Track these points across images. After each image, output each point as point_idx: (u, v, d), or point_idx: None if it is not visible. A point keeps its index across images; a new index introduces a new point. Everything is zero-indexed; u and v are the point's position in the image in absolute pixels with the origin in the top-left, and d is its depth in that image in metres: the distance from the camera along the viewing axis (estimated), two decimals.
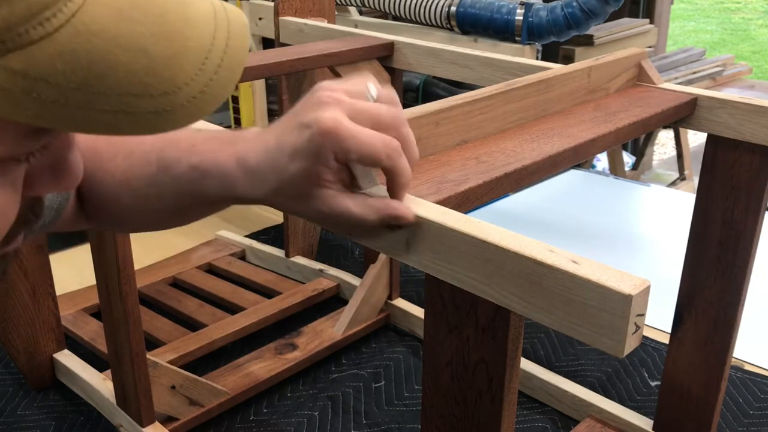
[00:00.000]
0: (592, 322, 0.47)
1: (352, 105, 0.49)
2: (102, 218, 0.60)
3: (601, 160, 3.28)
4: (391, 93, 0.53)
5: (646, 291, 0.45)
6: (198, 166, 0.52)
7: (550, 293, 0.48)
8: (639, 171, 3.50)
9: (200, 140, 0.53)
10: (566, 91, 0.83)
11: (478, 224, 0.52)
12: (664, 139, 4.24)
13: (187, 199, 0.54)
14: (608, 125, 0.78)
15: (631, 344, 0.46)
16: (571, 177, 2.13)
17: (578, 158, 0.74)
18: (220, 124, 0.79)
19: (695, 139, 3.98)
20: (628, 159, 3.50)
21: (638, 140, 3.61)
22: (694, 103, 0.87)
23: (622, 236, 1.76)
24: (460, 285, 0.53)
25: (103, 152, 0.56)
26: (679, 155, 3.31)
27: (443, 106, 0.68)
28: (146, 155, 0.55)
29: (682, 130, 3.16)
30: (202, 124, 0.75)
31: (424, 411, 0.62)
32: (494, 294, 0.51)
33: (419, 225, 0.54)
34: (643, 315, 0.46)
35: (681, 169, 3.30)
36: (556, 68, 0.85)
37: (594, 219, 1.85)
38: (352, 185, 0.52)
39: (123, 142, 0.56)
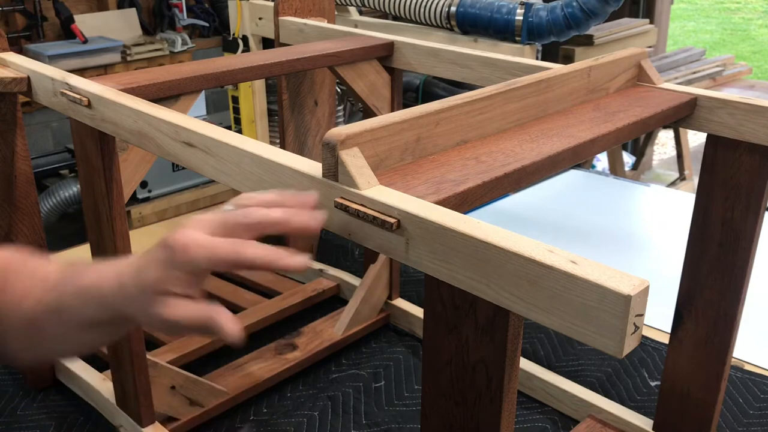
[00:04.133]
0: (592, 323, 0.47)
1: (208, 222, 0.54)
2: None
3: (601, 160, 3.28)
4: (244, 197, 0.57)
5: (645, 291, 0.46)
6: (82, 284, 0.57)
7: (550, 293, 0.48)
8: (639, 171, 3.51)
9: (96, 265, 0.59)
10: (566, 91, 0.83)
11: (477, 224, 0.52)
12: (664, 139, 4.24)
13: (66, 316, 0.58)
14: (608, 125, 0.78)
15: (630, 344, 0.46)
16: (571, 177, 2.13)
17: (578, 158, 0.74)
18: (219, 123, 0.79)
19: (695, 139, 3.98)
20: (628, 159, 3.50)
21: (638, 140, 3.61)
22: (693, 103, 0.87)
23: (622, 236, 1.76)
24: (459, 285, 0.53)
25: (11, 272, 0.61)
26: (679, 155, 3.31)
27: (443, 106, 0.68)
28: (45, 278, 0.60)
29: (682, 130, 3.16)
30: (200, 125, 0.75)
31: (424, 411, 0.62)
32: (493, 294, 0.51)
33: (419, 225, 0.54)
34: (642, 315, 0.46)
35: (681, 169, 3.31)
36: (556, 68, 0.84)
37: (594, 219, 1.85)
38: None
39: (31, 267, 0.61)
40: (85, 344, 0.61)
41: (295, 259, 0.54)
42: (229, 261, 0.53)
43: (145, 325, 0.56)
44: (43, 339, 0.59)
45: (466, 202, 0.61)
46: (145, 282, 0.54)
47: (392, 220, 0.55)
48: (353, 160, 0.60)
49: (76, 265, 0.59)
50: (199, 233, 0.53)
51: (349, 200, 0.59)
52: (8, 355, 0.62)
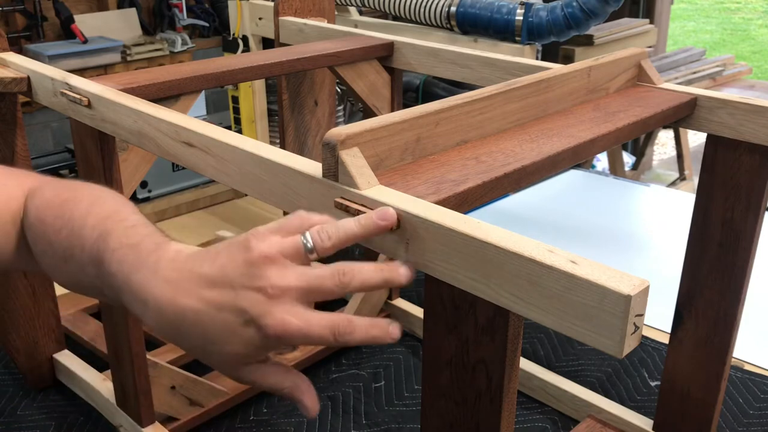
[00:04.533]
0: (591, 323, 0.47)
1: (299, 288, 0.48)
2: (50, 274, 0.62)
3: (601, 160, 3.28)
4: (329, 228, 0.52)
5: (645, 291, 0.46)
6: (112, 278, 0.53)
7: (549, 293, 0.48)
8: (639, 171, 3.51)
9: (123, 246, 0.53)
10: (566, 91, 0.83)
11: (477, 224, 0.52)
12: (664, 139, 4.24)
13: (109, 298, 0.56)
14: (608, 125, 0.78)
15: (630, 344, 0.46)
16: (571, 177, 2.13)
17: (578, 158, 0.74)
18: (219, 123, 0.79)
19: (695, 139, 3.98)
20: (628, 159, 3.50)
21: (638, 140, 3.61)
22: (693, 103, 0.87)
23: (622, 236, 1.76)
24: (459, 285, 0.53)
25: (50, 224, 0.59)
26: (679, 155, 3.31)
27: (443, 106, 0.68)
28: (83, 240, 0.56)
29: (682, 130, 3.16)
30: (200, 125, 0.75)
31: (424, 411, 0.62)
32: (493, 294, 0.51)
33: (418, 225, 0.54)
34: (642, 315, 0.46)
35: (681, 169, 3.31)
36: (556, 68, 0.84)
37: (594, 219, 1.85)
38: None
39: (70, 216, 0.58)
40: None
41: (393, 333, 0.50)
42: (332, 345, 0.49)
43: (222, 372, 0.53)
44: (86, 293, 0.60)
45: (466, 202, 0.61)
46: (220, 350, 0.49)
47: None
48: (353, 160, 0.60)
49: (107, 238, 0.54)
50: (292, 312, 0.47)
51: (349, 200, 0.59)
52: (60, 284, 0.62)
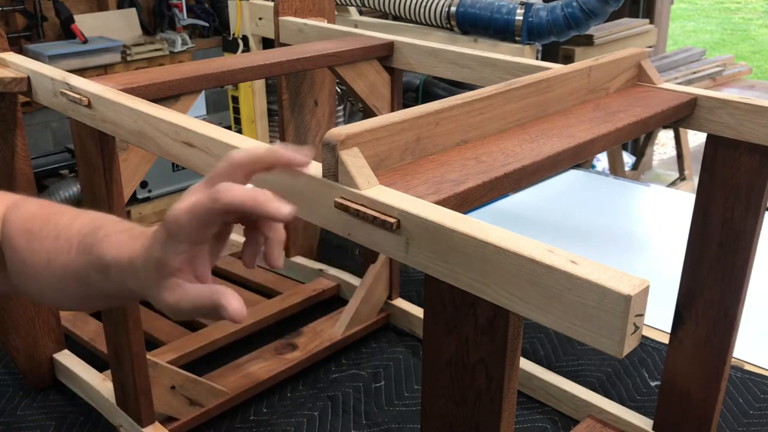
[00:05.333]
0: (591, 323, 0.47)
1: (200, 183, 0.51)
2: (21, 287, 0.63)
3: (601, 160, 3.28)
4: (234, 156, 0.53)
5: (645, 291, 0.45)
6: (102, 258, 0.55)
7: (549, 293, 0.48)
8: (639, 171, 3.51)
9: (113, 232, 0.56)
10: (566, 91, 0.83)
11: (477, 224, 0.52)
12: (664, 139, 4.24)
13: (95, 288, 0.57)
14: (608, 125, 0.78)
15: (630, 344, 0.46)
16: (572, 177, 2.13)
17: (578, 158, 0.74)
18: (219, 123, 0.79)
19: (695, 139, 3.98)
20: (628, 159, 3.50)
21: (638, 140, 3.61)
22: (693, 103, 0.87)
23: (622, 236, 1.76)
24: (459, 285, 0.53)
25: (35, 232, 0.60)
26: (679, 155, 3.31)
27: (443, 106, 0.68)
28: (70, 239, 0.58)
29: (682, 130, 3.16)
30: (200, 125, 0.75)
31: (424, 411, 0.62)
32: (493, 294, 0.51)
33: (418, 225, 0.54)
34: (642, 315, 0.46)
35: (681, 169, 3.31)
36: (556, 68, 0.84)
37: (594, 219, 1.85)
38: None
39: (54, 224, 0.60)
40: (109, 305, 0.61)
41: (281, 204, 0.50)
42: (212, 212, 0.49)
43: (160, 308, 0.54)
44: (70, 298, 0.60)
45: (466, 202, 0.61)
46: (150, 266, 0.52)
47: (392, 220, 0.55)
48: (353, 160, 0.59)
49: (97, 231, 0.57)
50: (184, 201, 0.51)
51: (349, 200, 0.59)
52: (42, 303, 0.63)
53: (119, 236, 0.56)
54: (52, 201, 0.65)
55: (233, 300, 0.50)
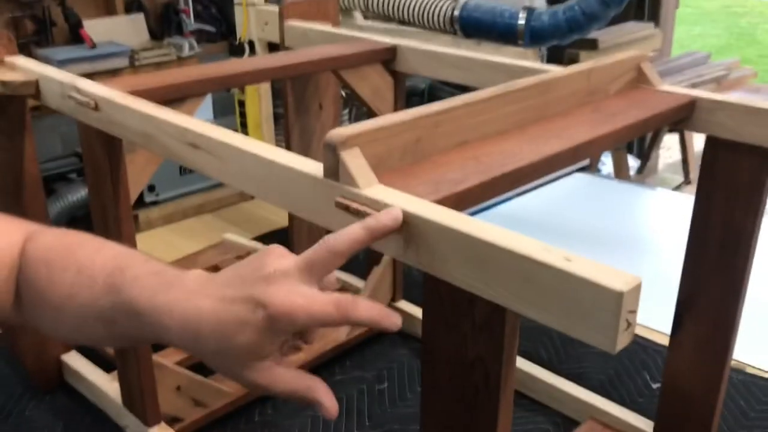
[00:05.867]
0: (585, 319, 0.48)
1: (298, 268, 0.51)
2: (36, 321, 0.60)
3: (607, 164, 3.28)
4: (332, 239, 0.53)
5: (637, 288, 0.46)
6: (133, 303, 0.53)
7: (545, 290, 0.49)
8: (644, 175, 3.50)
9: (143, 274, 0.54)
10: (566, 93, 0.83)
11: (474, 223, 0.53)
12: (670, 143, 4.23)
13: (120, 329, 0.55)
14: (607, 126, 0.78)
15: (623, 340, 0.47)
16: (577, 180, 2.13)
17: (577, 159, 0.75)
18: (226, 127, 0.80)
19: (701, 143, 3.97)
20: (633, 163, 3.49)
21: (643, 144, 3.61)
22: (693, 104, 0.88)
23: (628, 239, 1.77)
24: (457, 283, 0.54)
25: (55, 264, 0.58)
26: (685, 159, 3.31)
27: (443, 107, 0.69)
28: (94, 276, 0.56)
29: (687, 133, 3.16)
30: (205, 127, 0.76)
31: (423, 408, 0.63)
32: (490, 292, 0.52)
33: (417, 224, 0.55)
34: (635, 311, 0.47)
35: (686, 172, 3.30)
36: (556, 70, 0.85)
37: (599, 222, 1.85)
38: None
39: (75, 257, 0.58)
40: (131, 345, 0.60)
41: (394, 320, 0.52)
42: (336, 323, 0.51)
43: (219, 372, 0.53)
44: (91, 335, 0.58)
45: (465, 201, 0.62)
46: (233, 344, 0.50)
47: None
48: (354, 160, 0.61)
49: (125, 271, 0.54)
50: (296, 291, 0.50)
51: (349, 200, 0.60)
52: (56, 337, 0.61)
53: (151, 280, 0.54)
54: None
55: (328, 397, 0.52)
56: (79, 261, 0.57)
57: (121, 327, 0.55)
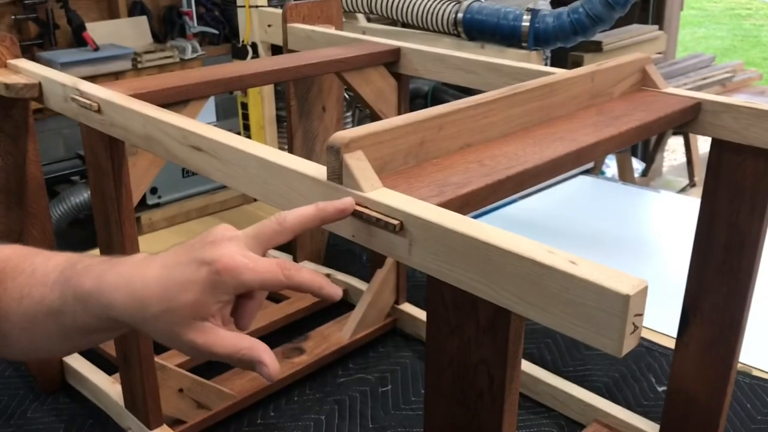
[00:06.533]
0: (591, 322, 0.47)
1: (245, 235, 0.53)
2: None
3: (611, 167, 3.28)
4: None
5: (644, 291, 0.46)
6: (81, 287, 0.53)
7: (550, 293, 0.49)
8: (649, 177, 3.50)
9: (93, 263, 0.55)
10: (570, 96, 0.83)
11: (478, 226, 0.53)
12: (675, 145, 4.22)
13: (69, 319, 0.55)
14: (611, 129, 0.78)
15: (629, 344, 0.47)
16: (581, 183, 2.13)
17: (581, 162, 0.74)
18: (229, 129, 0.80)
19: (705, 145, 3.96)
20: (637, 165, 3.49)
21: (648, 147, 3.61)
22: (698, 107, 0.88)
23: (632, 242, 1.76)
24: (460, 286, 0.54)
25: (7, 273, 0.58)
26: (689, 161, 3.30)
27: (446, 110, 0.69)
28: (47, 273, 0.56)
29: (692, 136, 3.15)
30: (207, 129, 0.76)
31: (427, 411, 0.63)
32: (494, 295, 0.52)
33: (421, 227, 0.55)
34: (641, 315, 0.46)
35: (691, 175, 3.30)
36: (560, 73, 0.85)
37: (604, 225, 1.85)
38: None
39: (30, 261, 0.58)
40: (84, 345, 0.59)
41: (335, 289, 0.54)
42: (278, 284, 0.51)
43: (162, 342, 0.53)
44: (42, 339, 0.57)
45: (469, 204, 0.62)
46: (176, 304, 0.50)
47: (395, 222, 0.56)
48: (357, 163, 0.60)
49: (76, 264, 0.55)
50: (241, 252, 0.51)
51: None
52: (10, 354, 0.60)
53: (100, 266, 0.54)
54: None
55: (269, 358, 0.51)
56: (34, 264, 0.58)
57: (70, 317, 0.54)
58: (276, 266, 0.51)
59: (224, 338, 0.51)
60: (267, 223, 0.54)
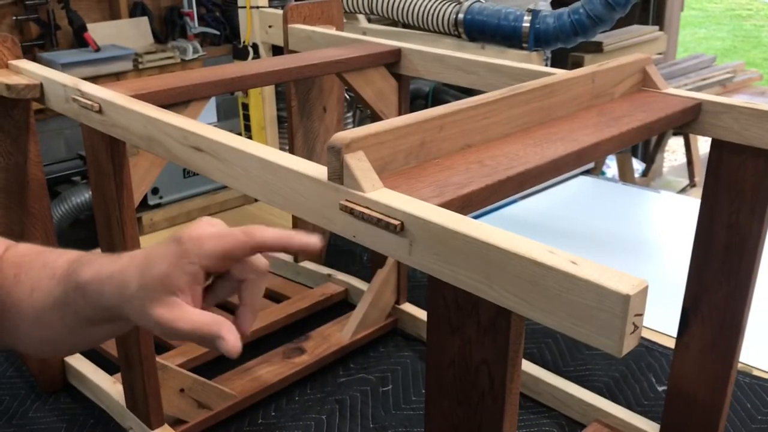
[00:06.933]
0: (591, 322, 0.47)
1: (217, 221, 0.54)
2: (1, 327, 0.60)
3: (611, 167, 3.28)
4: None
5: (644, 291, 0.46)
6: (82, 278, 0.55)
7: (550, 294, 0.49)
8: (649, 178, 3.49)
9: (98, 258, 0.57)
10: (570, 96, 0.83)
11: (479, 226, 0.53)
12: (675, 146, 4.22)
13: (70, 310, 0.56)
14: (612, 130, 0.78)
15: (629, 344, 0.47)
16: (581, 183, 2.13)
17: (581, 162, 0.74)
18: (230, 130, 0.81)
19: (706, 146, 3.96)
20: (638, 165, 3.49)
21: (648, 147, 3.60)
22: (698, 108, 0.88)
23: (632, 242, 1.76)
24: (461, 286, 0.54)
25: (24, 266, 0.59)
26: (690, 162, 3.30)
27: (447, 111, 0.69)
28: (56, 267, 0.57)
29: (692, 136, 3.15)
30: (208, 129, 0.76)
31: (428, 411, 0.63)
32: (495, 295, 0.52)
33: (422, 227, 0.55)
34: (641, 315, 0.47)
35: (691, 175, 3.30)
36: (561, 74, 0.85)
37: (604, 225, 1.85)
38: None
39: (44, 257, 0.59)
40: (88, 340, 0.60)
41: (309, 237, 0.54)
42: (242, 246, 0.52)
43: (141, 326, 0.53)
44: (51, 333, 0.58)
45: (470, 204, 0.62)
46: (148, 278, 0.51)
47: (396, 222, 0.56)
48: (358, 164, 0.60)
49: (81, 258, 0.57)
50: (207, 227, 0.53)
51: (354, 203, 0.60)
52: (20, 349, 0.61)
53: (102, 259, 0.56)
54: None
55: (231, 335, 0.51)
56: (46, 259, 0.59)
57: (72, 309, 0.56)
58: (240, 231, 0.52)
59: (189, 313, 0.51)
60: (237, 236, 0.53)
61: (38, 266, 0.58)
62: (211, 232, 0.52)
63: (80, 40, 2.74)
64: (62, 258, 0.58)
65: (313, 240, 0.54)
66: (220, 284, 0.55)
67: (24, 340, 0.59)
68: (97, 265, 0.55)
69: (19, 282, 0.58)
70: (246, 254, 0.53)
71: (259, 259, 0.54)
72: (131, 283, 0.52)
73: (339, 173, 0.61)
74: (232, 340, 0.51)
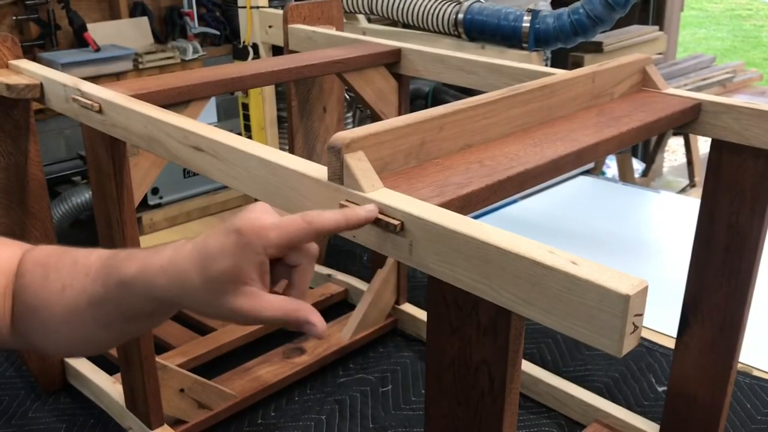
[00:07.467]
0: (591, 322, 0.47)
1: (268, 207, 0.54)
2: (27, 330, 0.60)
3: (611, 167, 3.28)
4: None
5: (644, 291, 0.46)
6: (126, 273, 0.54)
7: (550, 294, 0.49)
8: (649, 178, 3.49)
9: (137, 252, 0.57)
10: (570, 96, 0.83)
11: (479, 226, 0.53)
12: (675, 146, 4.22)
13: (109, 307, 0.56)
14: (612, 130, 0.78)
15: (629, 344, 0.47)
16: (581, 183, 2.13)
17: (581, 162, 0.74)
18: (231, 130, 0.80)
19: (706, 146, 3.96)
20: (638, 166, 3.49)
21: (648, 147, 3.60)
22: (698, 108, 0.88)
23: (632, 242, 1.76)
24: (461, 286, 0.54)
25: (51, 264, 0.59)
26: (690, 162, 3.30)
27: (447, 111, 0.69)
28: (89, 264, 0.57)
29: (692, 136, 3.15)
30: (208, 129, 0.76)
31: (428, 411, 0.63)
32: (495, 295, 0.52)
33: (421, 227, 0.55)
34: (641, 315, 0.47)
35: (691, 175, 3.30)
36: (560, 74, 0.85)
37: (604, 225, 1.85)
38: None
39: (71, 255, 0.59)
40: (123, 336, 0.60)
41: (364, 211, 0.55)
42: (305, 234, 0.52)
43: (211, 317, 0.54)
44: (82, 330, 0.57)
45: (470, 204, 0.62)
46: (215, 273, 0.51)
47: (396, 222, 0.56)
48: (358, 164, 0.60)
49: (117, 254, 0.56)
50: (264, 216, 0.52)
51: (354, 203, 0.60)
52: (49, 349, 0.61)
53: (143, 252, 0.55)
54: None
55: (317, 317, 0.53)
56: (75, 257, 0.59)
57: (113, 304, 0.55)
58: (299, 218, 0.52)
59: (271, 302, 0.52)
60: (297, 223, 0.53)
61: (68, 264, 0.58)
62: (272, 222, 0.51)
63: (80, 40, 2.74)
64: (93, 255, 0.58)
65: (368, 213, 0.55)
66: (274, 270, 0.54)
67: (53, 338, 0.59)
68: (140, 260, 0.54)
69: (48, 280, 0.58)
70: (308, 242, 0.53)
71: (312, 245, 0.55)
72: (191, 276, 0.52)
73: (339, 173, 0.61)
74: (319, 323, 0.53)
